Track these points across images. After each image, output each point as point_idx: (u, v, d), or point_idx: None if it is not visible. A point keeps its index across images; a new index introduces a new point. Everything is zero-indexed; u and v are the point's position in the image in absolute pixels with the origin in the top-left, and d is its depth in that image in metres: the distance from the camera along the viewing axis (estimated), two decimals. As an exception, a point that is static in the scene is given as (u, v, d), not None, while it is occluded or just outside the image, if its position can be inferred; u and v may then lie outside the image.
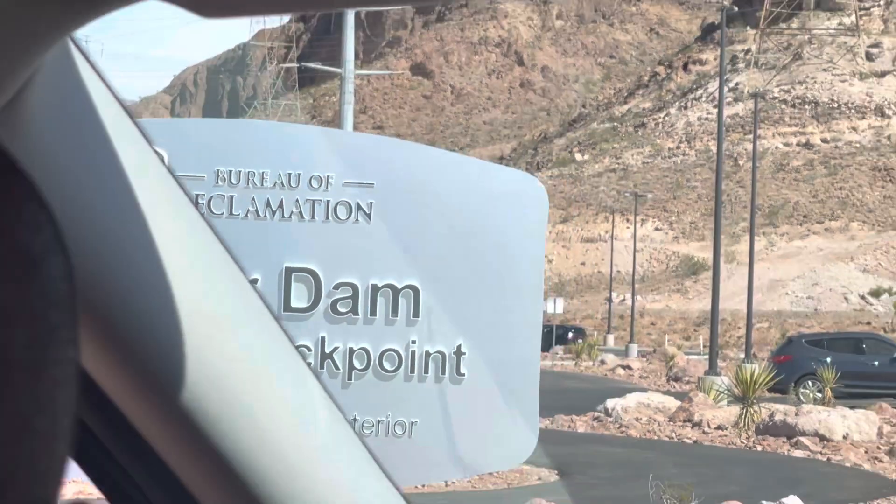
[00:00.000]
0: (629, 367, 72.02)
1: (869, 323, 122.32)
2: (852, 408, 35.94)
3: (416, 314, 6.86)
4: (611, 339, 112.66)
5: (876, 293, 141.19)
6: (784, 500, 19.35)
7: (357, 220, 6.98)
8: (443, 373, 6.82)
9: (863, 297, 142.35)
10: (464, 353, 6.94)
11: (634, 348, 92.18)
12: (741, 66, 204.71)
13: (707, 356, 66.39)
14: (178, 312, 1.27)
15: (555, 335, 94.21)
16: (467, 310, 7.04)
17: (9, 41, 0.98)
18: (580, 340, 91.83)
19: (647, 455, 27.79)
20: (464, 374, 6.91)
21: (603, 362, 76.82)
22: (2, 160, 0.69)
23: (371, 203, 6.98)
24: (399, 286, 6.85)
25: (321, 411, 1.47)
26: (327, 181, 7.00)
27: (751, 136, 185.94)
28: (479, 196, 7.14)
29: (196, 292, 1.30)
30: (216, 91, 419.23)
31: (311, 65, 56.94)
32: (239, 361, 1.35)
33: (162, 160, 1.32)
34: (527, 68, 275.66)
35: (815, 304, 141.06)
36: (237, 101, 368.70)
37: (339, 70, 39.97)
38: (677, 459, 27.34)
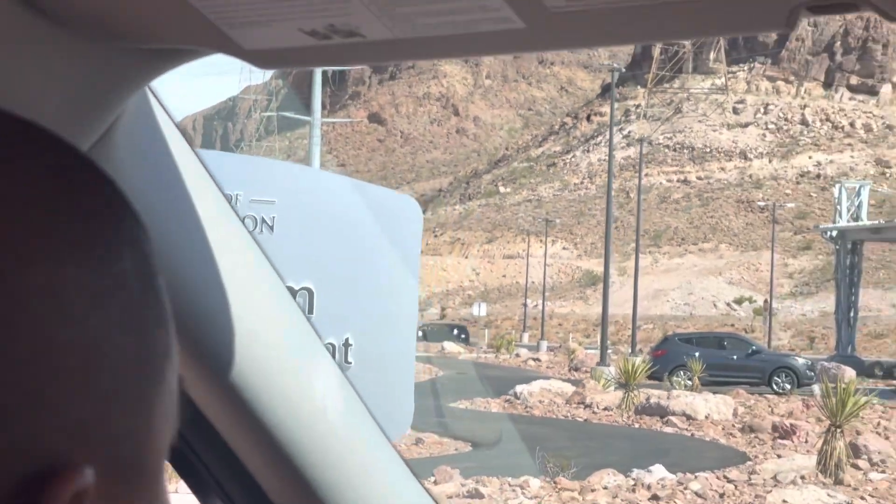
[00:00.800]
0: (538, 360, 71.87)
1: (733, 325, 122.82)
2: (714, 393, 35.92)
3: (311, 311, 6.54)
4: (525, 336, 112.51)
5: (739, 301, 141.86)
6: (651, 468, 19.13)
7: (262, 231, 6.63)
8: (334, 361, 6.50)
9: (728, 305, 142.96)
10: (351, 345, 6.60)
11: (545, 344, 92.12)
12: (633, 117, 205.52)
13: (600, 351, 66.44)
14: (238, 329, 1.26)
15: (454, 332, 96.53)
16: (354, 308, 6.72)
17: (97, 89, 0.97)
18: (463, 336, 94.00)
19: (545, 431, 27.55)
20: (351, 363, 6.57)
21: (518, 355, 76.71)
22: (110, 189, 0.66)
23: (273, 217, 6.63)
24: (297, 287, 6.50)
25: (342, 401, 1.42)
26: (237, 198, 6.66)
27: (641, 174, 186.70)
28: (363, 211, 6.83)
29: (254, 313, 1.29)
30: (210, 135, 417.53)
31: (287, 114, 56.79)
32: (289, 364, 1.33)
33: (228, 199, 1.29)
34: (461, 118, 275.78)
35: (690, 310, 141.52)
36: (228, 144, 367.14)
37: (308, 118, 40.14)
38: (570, 434, 27.13)
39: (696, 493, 16.96)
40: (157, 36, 0.99)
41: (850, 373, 58.02)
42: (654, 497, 16.11)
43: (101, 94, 0.99)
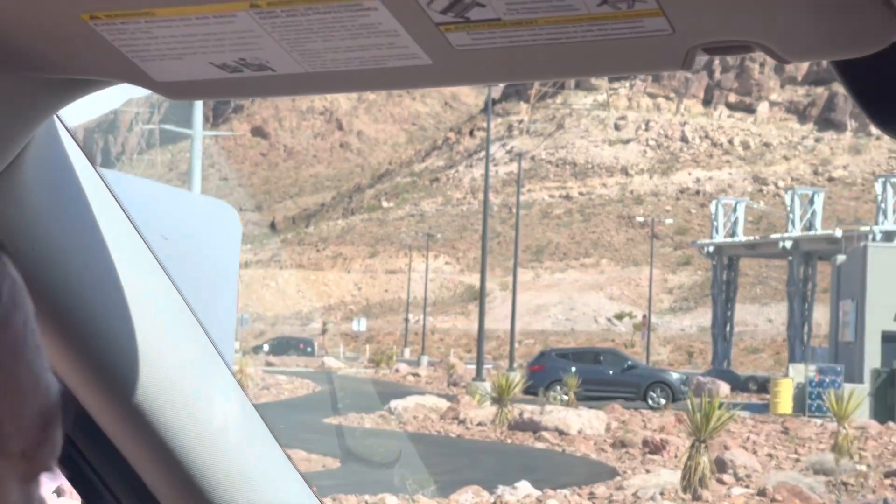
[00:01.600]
0: (418, 375, 71.78)
1: (613, 340, 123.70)
2: (591, 408, 36.00)
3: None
4: (407, 351, 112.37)
5: (619, 316, 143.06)
6: (517, 484, 18.97)
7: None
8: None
9: (609, 320, 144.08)
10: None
11: (425, 359, 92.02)
12: (516, 133, 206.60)
13: (484, 366, 66.42)
14: (138, 337, 1.30)
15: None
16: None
17: (6, 118, 0.99)
18: (309, 350, 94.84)
19: (417, 447, 27.30)
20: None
21: (398, 370, 76.52)
22: None
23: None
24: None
25: (238, 407, 1.46)
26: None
27: (523, 190, 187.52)
28: (185, 217, 6.54)
29: (157, 334, 1.33)
30: (91, 148, 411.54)
31: (168, 127, 55.92)
32: (182, 370, 1.36)
33: (131, 220, 1.32)
34: (345, 132, 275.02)
35: (571, 325, 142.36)
36: (109, 157, 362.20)
37: (190, 131, 39.72)
38: (441, 451, 26.92)
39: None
40: (68, 67, 0.99)
41: (724, 387, 58.73)
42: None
43: (9, 123, 1.00)
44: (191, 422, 1.39)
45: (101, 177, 1.31)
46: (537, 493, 18.56)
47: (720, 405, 30.42)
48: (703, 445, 19.13)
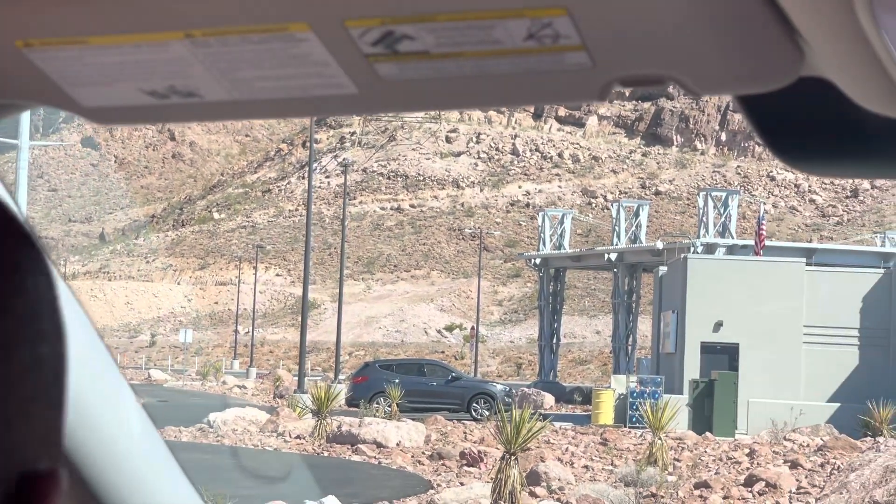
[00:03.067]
0: (244, 387, 70.88)
1: (443, 352, 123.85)
2: (415, 420, 35.61)
3: None
4: (236, 363, 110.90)
5: (450, 328, 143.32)
6: (325, 499, 18.40)
7: None
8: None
9: (440, 332, 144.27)
10: None
11: (254, 371, 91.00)
12: (348, 144, 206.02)
13: (311, 378, 65.65)
14: None
15: None
16: None
17: None
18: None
19: (228, 461, 26.55)
20: None
21: (224, 382, 75.48)
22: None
23: None
24: None
25: (136, 423, 1.51)
26: None
27: (355, 202, 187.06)
28: None
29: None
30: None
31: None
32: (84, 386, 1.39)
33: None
34: (178, 143, 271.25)
35: (402, 337, 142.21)
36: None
37: (16, 141, 38.61)
38: (255, 465, 26.19)
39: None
40: None
41: (549, 398, 58.96)
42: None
43: None
44: (82, 417, 1.42)
45: (18, 209, 1.30)
46: (346, 508, 18.05)
47: (543, 417, 30.25)
48: (513, 458, 18.80)
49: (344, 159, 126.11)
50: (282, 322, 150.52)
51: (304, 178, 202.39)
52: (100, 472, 1.43)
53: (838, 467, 21.79)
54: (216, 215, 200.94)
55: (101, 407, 1.43)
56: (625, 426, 41.95)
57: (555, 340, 72.79)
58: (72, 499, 1.45)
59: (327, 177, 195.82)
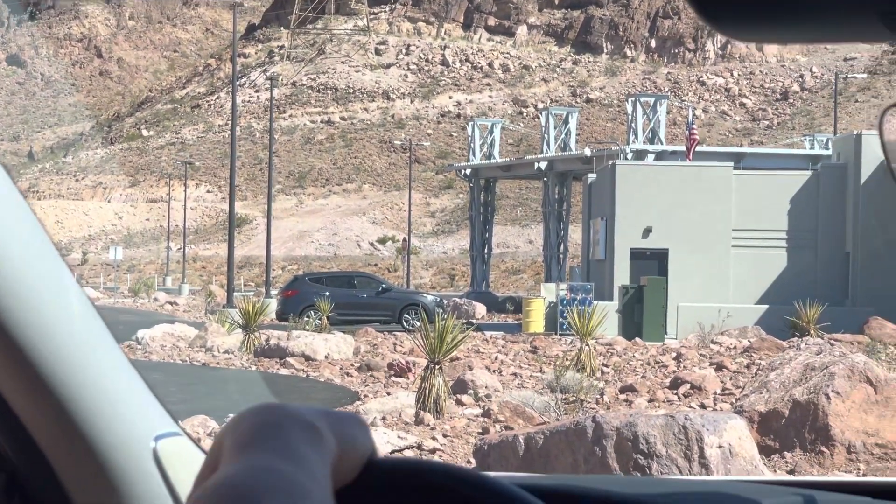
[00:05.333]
0: (176, 303, 70.47)
1: (377, 265, 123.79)
2: (346, 332, 35.48)
3: None
4: (169, 280, 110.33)
5: (382, 241, 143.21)
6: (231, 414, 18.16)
7: None
8: None
9: (372, 245, 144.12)
10: None
11: (186, 288, 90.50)
12: (277, 58, 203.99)
13: (244, 293, 65.27)
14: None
15: None
16: None
17: None
18: None
19: (155, 376, 26.27)
20: None
21: (156, 300, 75.08)
22: None
23: None
24: None
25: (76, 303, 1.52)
26: None
27: (285, 116, 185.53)
28: None
29: (24, 275, 1.37)
30: None
31: None
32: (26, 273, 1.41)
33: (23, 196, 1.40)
34: (105, 60, 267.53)
35: (335, 250, 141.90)
36: None
37: None
38: (182, 380, 25.96)
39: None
40: None
41: (481, 308, 59.11)
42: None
43: None
44: (39, 329, 1.43)
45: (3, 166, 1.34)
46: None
47: (472, 326, 30.18)
48: (437, 367, 18.69)
49: (272, 73, 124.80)
50: (214, 238, 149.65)
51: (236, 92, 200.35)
52: (38, 352, 1.44)
53: (762, 368, 21.89)
54: (145, 132, 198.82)
55: (38, 286, 1.44)
56: (555, 334, 42.09)
57: (486, 251, 72.81)
58: (27, 398, 1.47)
59: (256, 91, 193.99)
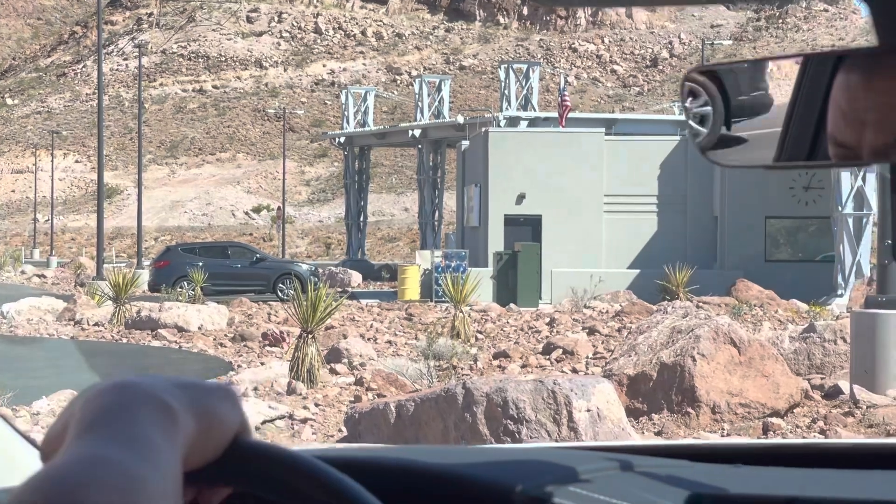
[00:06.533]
0: (44, 276, 69.33)
1: (252, 234, 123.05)
2: (220, 303, 35.25)
3: None
4: (37, 252, 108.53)
5: (257, 210, 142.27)
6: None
7: None
8: None
9: (247, 214, 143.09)
10: None
11: (55, 260, 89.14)
12: (146, 26, 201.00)
13: (116, 265, 64.44)
14: None
15: None
16: None
17: None
18: None
19: (20, 351, 25.91)
20: None
21: (24, 272, 73.75)
22: None
23: None
24: None
25: None
26: None
27: (155, 84, 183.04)
28: None
29: None
30: None
31: None
32: None
33: None
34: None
35: (209, 220, 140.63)
36: None
37: None
38: (48, 354, 25.61)
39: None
40: None
41: (357, 276, 59.07)
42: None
43: None
44: None
45: None
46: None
47: (346, 295, 30.19)
48: (310, 336, 18.68)
49: (140, 41, 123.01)
50: (83, 209, 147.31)
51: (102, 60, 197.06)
52: None
53: (631, 332, 22.24)
54: (9, 101, 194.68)
55: None
56: (431, 301, 42.26)
57: (362, 219, 72.75)
58: None
59: (125, 59, 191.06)
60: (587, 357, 21.81)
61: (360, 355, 22.04)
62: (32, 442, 1.74)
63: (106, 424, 0.96)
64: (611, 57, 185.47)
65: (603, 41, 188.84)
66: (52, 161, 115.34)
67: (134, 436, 0.94)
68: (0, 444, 1.56)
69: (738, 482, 1.93)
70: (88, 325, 31.95)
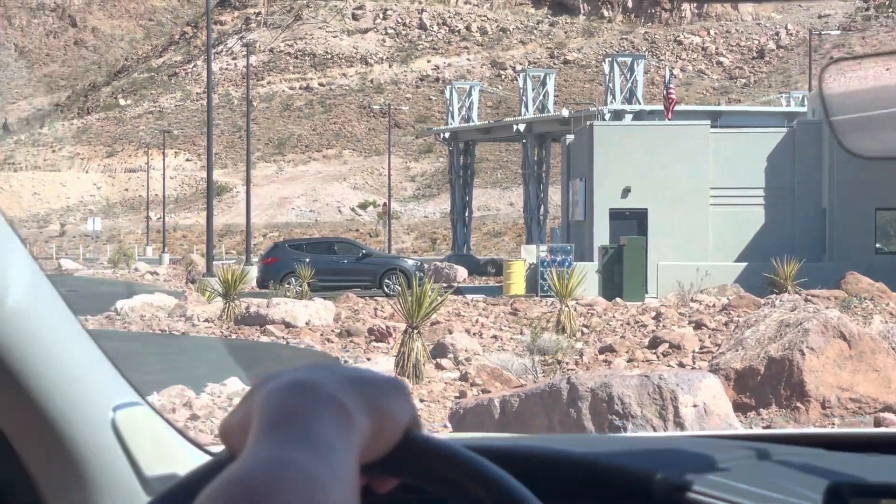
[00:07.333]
0: (156, 273, 70.35)
1: (358, 230, 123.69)
2: (326, 298, 35.44)
3: None
4: (150, 250, 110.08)
5: (363, 206, 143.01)
6: (226, 380, 18.20)
7: None
8: None
9: (353, 210, 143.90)
10: None
11: (167, 257, 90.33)
12: (254, 25, 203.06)
13: (226, 261, 65.15)
14: None
15: None
16: None
17: None
18: None
19: (133, 346, 26.25)
20: None
21: (137, 269, 74.84)
22: None
23: None
24: None
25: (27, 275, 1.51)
26: None
27: (263, 83, 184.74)
28: None
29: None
30: None
31: None
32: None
33: None
34: (80, 29, 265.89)
35: (316, 216, 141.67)
36: None
37: None
38: (160, 349, 25.94)
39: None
40: None
41: (462, 272, 59.13)
42: (194, 416, 15.08)
43: None
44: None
45: None
46: (246, 388, 17.80)
47: (454, 290, 30.22)
48: (415, 331, 18.70)
49: (248, 40, 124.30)
50: (194, 207, 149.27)
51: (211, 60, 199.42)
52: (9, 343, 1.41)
53: (738, 326, 21.98)
54: (122, 101, 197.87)
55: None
56: (536, 296, 42.13)
57: (467, 214, 72.82)
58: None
59: (234, 58, 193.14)
60: (694, 351, 21.58)
61: (466, 350, 22.02)
62: (183, 433, 1.81)
63: (288, 426, 0.97)
64: (717, 49, 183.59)
65: (708, 33, 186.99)
66: (163, 160, 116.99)
67: (316, 438, 0.96)
68: (155, 435, 1.66)
69: (875, 470, 1.91)
70: (199, 321, 32.31)
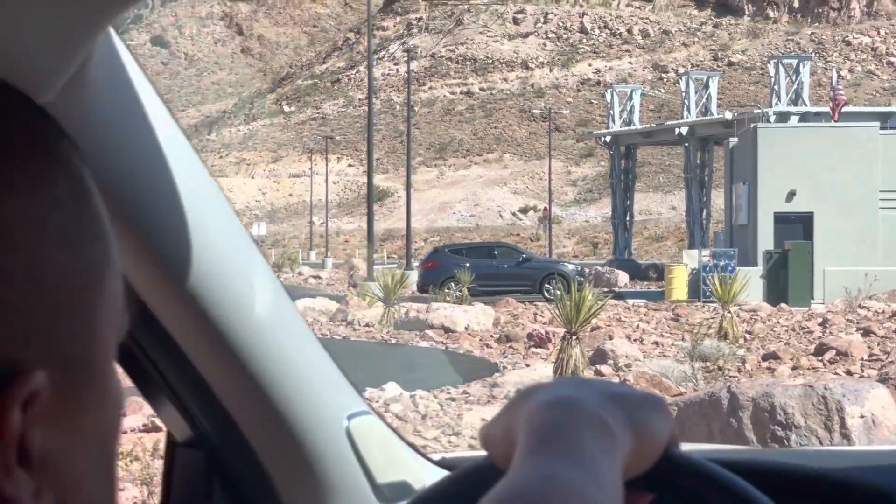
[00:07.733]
0: (319, 277, 71.18)
1: (519, 234, 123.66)
2: (486, 303, 35.39)
3: None
4: (313, 254, 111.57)
5: (524, 210, 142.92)
6: (385, 385, 18.22)
7: None
8: None
9: (514, 214, 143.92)
10: None
11: (330, 261, 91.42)
12: (415, 31, 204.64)
13: (388, 266, 65.69)
14: (193, 242, 1.38)
15: None
16: None
17: (58, 29, 0.92)
18: None
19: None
20: None
21: (300, 273, 75.87)
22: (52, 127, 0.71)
23: None
24: None
25: (278, 299, 1.58)
26: None
27: (424, 88, 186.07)
28: None
29: (206, 229, 1.41)
30: None
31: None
32: (228, 263, 1.46)
33: (183, 132, 1.42)
34: (246, 37, 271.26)
35: (476, 221, 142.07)
36: None
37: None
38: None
39: (395, 415, 16.03)
40: None
41: (623, 276, 58.60)
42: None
43: (61, 34, 0.94)
44: (240, 312, 1.47)
45: (160, 97, 1.36)
46: (406, 393, 17.82)
47: (614, 295, 29.94)
48: (574, 337, 18.52)
49: (410, 45, 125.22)
50: (356, 212, 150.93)
51: (372, 66, 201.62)
52: (237, 335, 1.47)
53: (909, 333, 21.33)
54: (286, 108, 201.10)
55: (234, 271, 1.47)
56: (698, 301, 41.52)
57: (628, 218, 72.26)
58: (227, 378, 1.52)
59: (395, 64, 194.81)
60: (862, 359, 20.98)
61: (626, 356, 21.74)
62: (407, 441, 1.86)
63: (556, 443, 0.98)
64: (887, 49, 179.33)
65: (878, 33, 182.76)
66: (326, 165, 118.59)
67: (583, 456, 0.96)
68: (384, 443, 1.71)
69: None
70: (360, 325, 32.51)
